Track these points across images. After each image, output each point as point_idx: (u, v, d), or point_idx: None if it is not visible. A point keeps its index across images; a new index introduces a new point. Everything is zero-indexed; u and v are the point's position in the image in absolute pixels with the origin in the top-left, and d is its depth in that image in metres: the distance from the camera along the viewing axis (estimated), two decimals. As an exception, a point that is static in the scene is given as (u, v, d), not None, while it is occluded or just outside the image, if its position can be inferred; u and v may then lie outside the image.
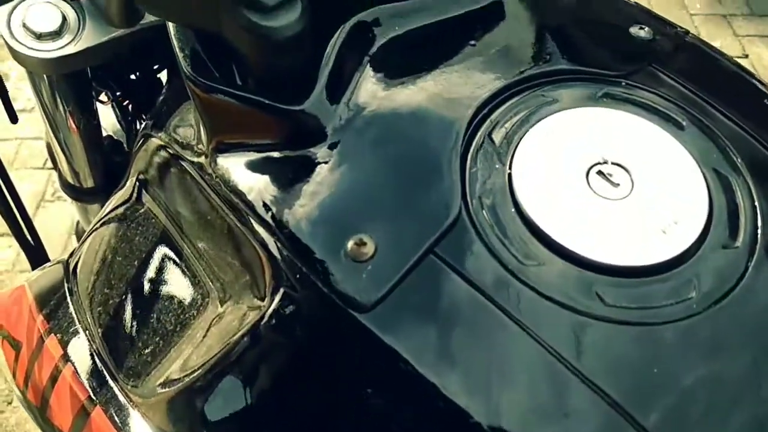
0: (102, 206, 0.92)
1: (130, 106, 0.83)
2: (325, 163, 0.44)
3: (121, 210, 0.60)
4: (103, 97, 0.82)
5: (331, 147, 0.44)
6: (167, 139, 0.54)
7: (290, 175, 0.44)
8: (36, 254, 0.83)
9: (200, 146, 0.50)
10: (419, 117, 0.45)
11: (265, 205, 0.43)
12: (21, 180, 1.68)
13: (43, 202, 1.70)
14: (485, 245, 0.41)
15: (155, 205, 0.56)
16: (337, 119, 0.45)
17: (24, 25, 0.62)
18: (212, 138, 0.47)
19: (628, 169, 0.44)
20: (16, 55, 0.62)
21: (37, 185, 1.72)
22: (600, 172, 0.43)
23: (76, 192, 0.86)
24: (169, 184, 0.54)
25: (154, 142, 0.57)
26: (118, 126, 0.97)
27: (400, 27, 0.49)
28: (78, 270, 0.60)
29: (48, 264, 0.65)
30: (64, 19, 0.63)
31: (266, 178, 0.44)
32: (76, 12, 0.64)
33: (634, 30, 0.53)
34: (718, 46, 2.41)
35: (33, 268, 0.82)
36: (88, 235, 0.65)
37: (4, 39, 0.62)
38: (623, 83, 0.48)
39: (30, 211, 1.65)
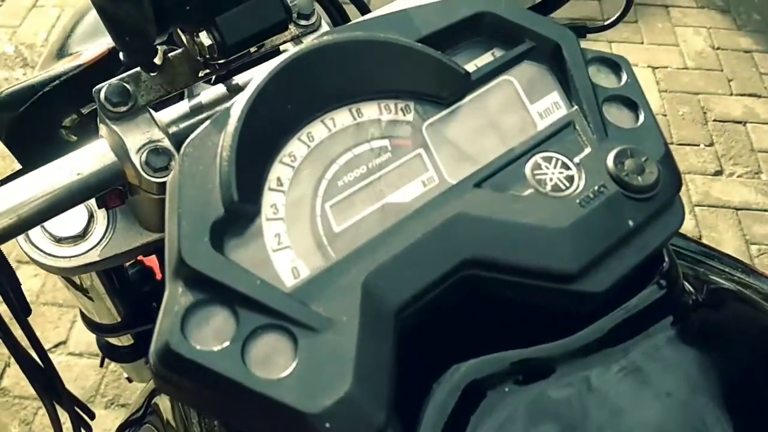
0: (129, 336, 0.83)
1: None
2: None
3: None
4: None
5: None
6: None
7: None
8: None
9: None
10: None
11: None
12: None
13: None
14: None
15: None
16: None
17: (42, 226, 0.51)
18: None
19: None
20: (30, 258, 0.52)
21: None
22: None
23: (100, 329, 0.77)
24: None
25: None
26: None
27: (514, 387, 0.37)
28: None
29: None
30: (91, 217, 0.52)
31: None
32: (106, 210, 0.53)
33: None
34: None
35: None
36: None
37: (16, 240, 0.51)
38: None
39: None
